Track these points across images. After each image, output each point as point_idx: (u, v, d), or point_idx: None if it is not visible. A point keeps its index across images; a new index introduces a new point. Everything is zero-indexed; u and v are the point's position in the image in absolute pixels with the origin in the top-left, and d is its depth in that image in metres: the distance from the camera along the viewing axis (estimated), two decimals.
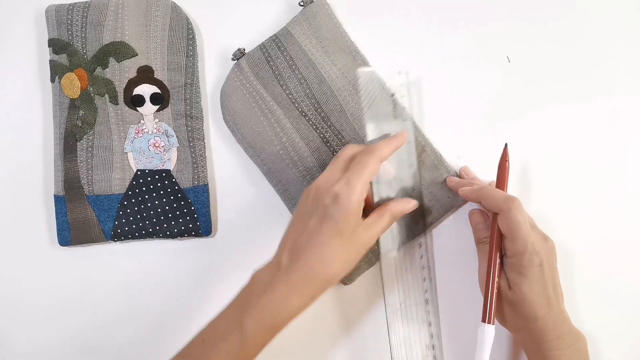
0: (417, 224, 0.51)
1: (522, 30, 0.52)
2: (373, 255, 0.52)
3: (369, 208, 0.46)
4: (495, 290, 0.45)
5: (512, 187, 0.50)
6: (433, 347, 0.52)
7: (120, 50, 0.53)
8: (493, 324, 0.45)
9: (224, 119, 0.53)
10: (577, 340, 0.45)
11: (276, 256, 0.44)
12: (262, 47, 0.52)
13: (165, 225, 0.54)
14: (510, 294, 0.45)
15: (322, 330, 0.53)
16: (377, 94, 0.51)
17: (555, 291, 0.45)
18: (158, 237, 0.54)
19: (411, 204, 0.47)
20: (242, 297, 0.44)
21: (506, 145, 0.48)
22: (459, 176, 0.51)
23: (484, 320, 0.45)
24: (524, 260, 0.43)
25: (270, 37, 0.52)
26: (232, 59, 0.53)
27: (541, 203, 0.51)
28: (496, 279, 0.45)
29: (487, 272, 0.46)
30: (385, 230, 0.47)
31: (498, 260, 0.46)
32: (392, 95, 0.51)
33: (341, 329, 0.53)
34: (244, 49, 0.53)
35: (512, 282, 0.45)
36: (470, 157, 0.52)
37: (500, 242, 0.46)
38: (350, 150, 0.46)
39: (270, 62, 0.52)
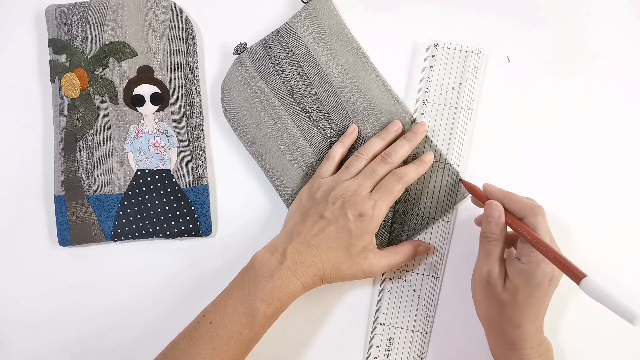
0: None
1: (522, 30, 0.52)
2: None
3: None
4: (561, 254, 0.40)
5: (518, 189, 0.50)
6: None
7: (120, 50, 0.53)
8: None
9: (224, 113, 0.53)
10: (546, 351, 0.46)
11: (281, 242, 0.47)
12: (264, 42, 0.52)
13: (165, 225, 0.54)
14: (505, 293, 0.44)
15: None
16: (449, 69, 0.51)
17: (545, 306, 0.45)
18: (158, 237, 0.54)
19: (428, 250, 0.51)
20: (248, 279, 0.46)
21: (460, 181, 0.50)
22: None
23: (579, 279, 0.37)
24: (538, 272, 0.42)
25: (272, 32, 0.52)
26: (234, 53, 0.52)
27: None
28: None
29: (536, 245, 0.41)
30: (394, 267, 0.49)
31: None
32: (467, 78, 0.51)
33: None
34: (246, 44, 0.53)
35: (512, 286, 0.44)
36: (470, 157, 0.52)
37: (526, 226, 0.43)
38: (376, 146, 0.50)
39: (272, 57, 0.52)
